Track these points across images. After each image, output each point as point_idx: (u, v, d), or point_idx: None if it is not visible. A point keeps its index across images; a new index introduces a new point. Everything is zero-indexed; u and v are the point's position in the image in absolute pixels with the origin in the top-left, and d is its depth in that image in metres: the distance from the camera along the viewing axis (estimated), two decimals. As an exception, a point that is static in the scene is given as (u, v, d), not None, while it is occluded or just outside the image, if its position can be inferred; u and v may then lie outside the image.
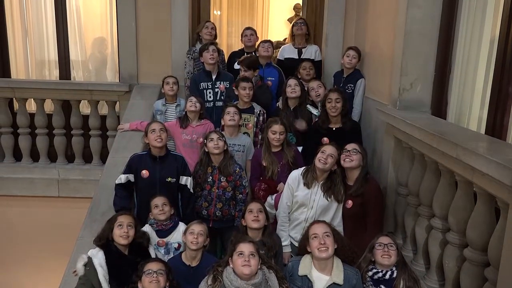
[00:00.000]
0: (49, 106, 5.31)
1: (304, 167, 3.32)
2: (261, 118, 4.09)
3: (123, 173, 3.36)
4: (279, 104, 4.27)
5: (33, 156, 5.24)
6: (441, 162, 2.59)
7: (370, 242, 2.81)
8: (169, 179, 3.33)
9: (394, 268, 2.71)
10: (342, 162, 3.21)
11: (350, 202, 3.16)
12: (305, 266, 2.63)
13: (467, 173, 2.28)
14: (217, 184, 3.47)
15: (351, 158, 3.17)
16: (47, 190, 5.00)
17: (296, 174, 3.29)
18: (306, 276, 2.61)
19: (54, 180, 5.02)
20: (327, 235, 2.59)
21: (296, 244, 3.22)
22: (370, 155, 3.79)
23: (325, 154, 3.15)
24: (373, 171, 3.74)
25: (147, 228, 3.13)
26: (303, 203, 3.23)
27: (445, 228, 2.63)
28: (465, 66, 3.02)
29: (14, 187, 5.03)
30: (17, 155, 5.25)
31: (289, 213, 3.29)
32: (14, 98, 5.21)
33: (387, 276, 2.69)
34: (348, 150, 3.20)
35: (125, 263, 2.71)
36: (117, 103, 5.21)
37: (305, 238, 2.68)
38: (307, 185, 3.21)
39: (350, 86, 4.37)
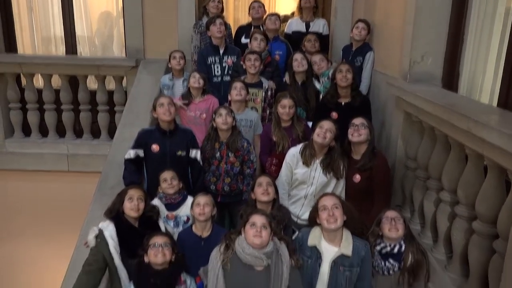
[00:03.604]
0: (56, 82, 5.31)
1: (302, 144, 3.31)
2: (269, 93, 4.07)
3: (132, 148, 3.37)
4: (286, 79, 4.23)
5: (42, 131, 5.27)
6: (452, 136, 2.57)
7: (377, 216, 2.84)
8: (179, 152, 3.34)
9: (402, 242, 2.73)
10: (350, 137, 3.20)
11: (358, 177, 3.17)
12: (315, 237, 2.66)
13: (477, 146, 2.26)
14: (225, 159, 3.48)
15: (359, 132, 3.16)
16: (57, 165, 5.05)
17: (294, 152, 3.29)
18: (315, 247, 2.64)
19: (63, 155, 5.07)
20: (336, 207, 2.61)
21: (295, 219, 3.26)
22: (378, 130, 3.77)
23: (323, 129, 3.14)
24: (382, 146, 3.73)
25: (156, 201, 3.15)
26: (303, 181, 3.24)
27: (453, 201, 2.63)
28: (478, 38, 2.96)
29: (24, 162, 5.09)
30: (26, 131, 5.29)
31: (288, 189, 3.31)
32: (21, 74, 5.20)
33: (395, 250, 2.71)
34: (356, 125, 3.19)
35: (135, 236, 2.74)
36: (124, 78, 5.19)
37: (315, 210, 2.70)
38: (306, 163, 3.21)
39: (359, 59, 4.31)
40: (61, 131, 5.27)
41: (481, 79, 2.94)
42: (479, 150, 2.26)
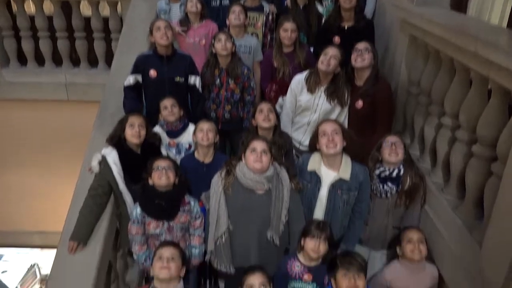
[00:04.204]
0: (49, 7, 5.09)
1: (307, 71, 3.25)
2: (270, 17, 3.92)
3: (131, 74, 3.31)
4: (287, 2, 4.05)
5: (38, 60, 5.16)
6: (457, 59, 2.51)
7: (378, 142, 2.85)
8: (178, 78, 3.29)
9: (401, 166, 2.77)
10: (353, 62, 3.13)
11: (360, 103, 3.14)
12: (314, 162, 2.70)
13: (483, 69, 2.21)
14: (225, 86, 3.44)
15: (363, 57, 3.08)
16: (56, 94, 5.01)
17: (299, 78, 3.24)
18: (314, 171, 2.68)
19: (61, 84, 5.01)
20: (336, 133, 2.62)
21: (297, 145, 3.28)
22: (381, 55, 3.68)
23: (328, 56, 3.07)
24: (385, 71, 3.66)
25: (157, 129, 3.16)
26: (306, 108, 3.22)
27: (454, 126, 2.63)
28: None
29: (22, 91, 5.04)
30: (23, 60, 5.17)
31: (292, 116, 3.30)
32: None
33: (394, 174, 2.76)
34: (360, 49, 3.11)
35: (138, 162, 2.76)
36: (119, 4, 4.97)
37: (315, 136, 2.71)
38: (311, 90, 3.17)
39: (365, -20, 4.10)
40: (57, 60, 5.15)
41: (491, 1, 2.81)
42: (485, 72, 2.21)
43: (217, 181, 2.60)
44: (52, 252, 2.67)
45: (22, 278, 5.78)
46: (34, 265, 6.06)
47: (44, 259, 6.01)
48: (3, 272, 5.86)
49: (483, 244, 2.13)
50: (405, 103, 3.36)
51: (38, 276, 6.05)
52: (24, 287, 5.77)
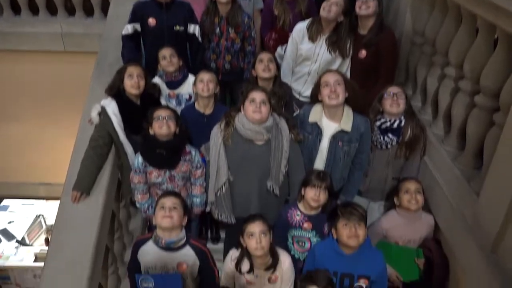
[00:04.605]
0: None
1: (310, 19, 3.17)
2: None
3: (129, 23, 3.23)
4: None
5: (32, 9, 5.00)
6: (464, 6, 2.43)
7: (380, 93, 2.82)
8: (177, 27, 3.21)
9: (402, 117, 2.76)
10: (357, 9, 3.04)
11: (363, 52, 3.08)
12: (316, 114, 2.68)
13: (491, 15, 2.14)
14: (225, 35, 3.36)
15: (368, 4, 2.99)
16: (52, 45, 4.91)
17: (301, 27, 3.16)
18: (316, 123, 2.67)
19: (57, 34, 4.88)
20: (338, 83, 2.58)
21: (297, 96, 3.25)
22: (386, 3, 3.56)
23: (329, 2, 2.98)
24: (389, 21, 3.55)
25: (157, 80, 3.12)
26: (307, 57, 3.16)
27: (458, 76, 2.59)
28: None
29: (18, 42, 4.93)
30: (16, 9, 5.01)
31: (292, 66, 3.24)
32: None
33: (395, 125, 2.75)
34: (364, -4, 3.00)
35: (138, 113, 2.75)
36: None
37: (317, 87, 2.67)
38: (312, 38, 3.10)
39: None
40: (52, 9, 5.00)
41: None
42: (492, 19, 2.15)
43: (217, 133, 2.60)
44: (57, 204, 2.71)
45: (28, 228, 5.91)
46: (39, 216, 6.18)
47: (49, 210, 6.13)
48: (9, 222, 5.98)
49: (480, 193, 2.15)
50: (408, 53, 3.29)
51: (44, 227, 6.19)
52: (30, 237, 5.92)
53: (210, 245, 2.99)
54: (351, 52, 3.15)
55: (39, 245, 5.88)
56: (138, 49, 3.33)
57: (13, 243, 5.69)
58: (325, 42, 3.09)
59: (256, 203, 2.62)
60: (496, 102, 2.18)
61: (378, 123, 2.79)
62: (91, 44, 4.63)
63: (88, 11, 5.00)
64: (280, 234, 2.55)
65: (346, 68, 3.21)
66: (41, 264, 2.53)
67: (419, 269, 2.61)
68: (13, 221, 6.05)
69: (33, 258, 5.48)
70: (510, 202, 1.90)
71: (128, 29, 3.22)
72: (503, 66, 2.16)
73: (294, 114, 3.02)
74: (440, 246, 2.62)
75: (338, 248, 2.30)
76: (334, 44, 3.09)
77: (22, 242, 5.75)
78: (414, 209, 2.62)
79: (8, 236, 5.80)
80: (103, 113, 2.78)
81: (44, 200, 6.22)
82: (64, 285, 2.32)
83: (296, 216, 2.56)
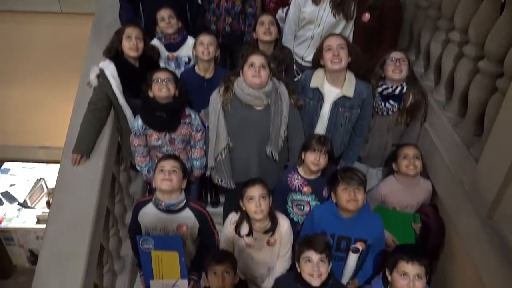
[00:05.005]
0: None
1: None
2: None
3: (126, -18, 3.14)
4: None
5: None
6: (472, -33, 2.36)
7: (383, 58, 2.78)
8: (176, -12, 3.12)
9: (404, 84, 2.73)
10: (361, -29, 2.95)
11: (367, 15, 3.01)
12: (318, 79, 2.65)
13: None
14: (225, -4, 3.27)
15: (372, -34, 2.90)
16: (48, 6, 4.78)
17: None
18: (317, 88, 2.64)
19: (53, -6, 4.76)
20: (342, 47, 2.54)
21: (300, 61, 3.20)
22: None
23: None
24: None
25: (155, 42, 3.07)
26: (310, 20, 3.08)
27: (462, 41, 2.54)
28: None
29: (12, 2, 4.79)
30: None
31: (295, 30, 3.17)
32: None
33: (396, 92, 2.73)
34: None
35: (137, 76, 2.72)
36: None
37: (319, 51, 2.63)
38: (315, 1, 3.01)
39: None
40: (46, -33, 4.86)
41: None
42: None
43: (216, 98, 2.58)
44: (57, 167, 2.72)
45: (30, 192, 5.97)
46: (40, 179, 6.23)
47: (50, 174, 6.17)
48: (11, 185, 6.04)
49: (480, 159, 2.16)
50: (412, 17, 3.22)
51: (45, 190, 6.25)
52: (32, 200, 5.99)
53: (209, 209, 3.02)
54: (355, 14, 3.07)
55: (41, 208, 5.96)
56: (136, 11, 3.25)
57: (15, 205, 5.77)
58: (329, 4, 3.01)
59: (256, 168, 2.63)
60: (500, 67, 2.15)
61: (379, 89, 2.76)
62: (88, 6, 4.51)
63: (84, -30, 4.85)
64: (279, 198, 2.57)
65: (350, 31, 3.15)
66: (43, 226, 2.56)
67: (416, 234, 2.65)
68: (14, 184, 6.11)
69: (35, 220, 5.57)
70: (508, 168, 1.90)
71: (126, -11, 3.13)
72: (509, 30, 2.12)
73: (296, 79, 2.98)
74: (437, 211, 2.65)
75: (337, 211, 2.33)
76: (338, 7, 3.02)
77: (24, 205, 5.82)
78: (412, 175, 2.64)
79: (10, 198, 5.86)
80: (101, 75, 2.74)
81: (45, 164, 6.25)
82: (66, 247, 2.36)
83: (296, 180, 2.58)
